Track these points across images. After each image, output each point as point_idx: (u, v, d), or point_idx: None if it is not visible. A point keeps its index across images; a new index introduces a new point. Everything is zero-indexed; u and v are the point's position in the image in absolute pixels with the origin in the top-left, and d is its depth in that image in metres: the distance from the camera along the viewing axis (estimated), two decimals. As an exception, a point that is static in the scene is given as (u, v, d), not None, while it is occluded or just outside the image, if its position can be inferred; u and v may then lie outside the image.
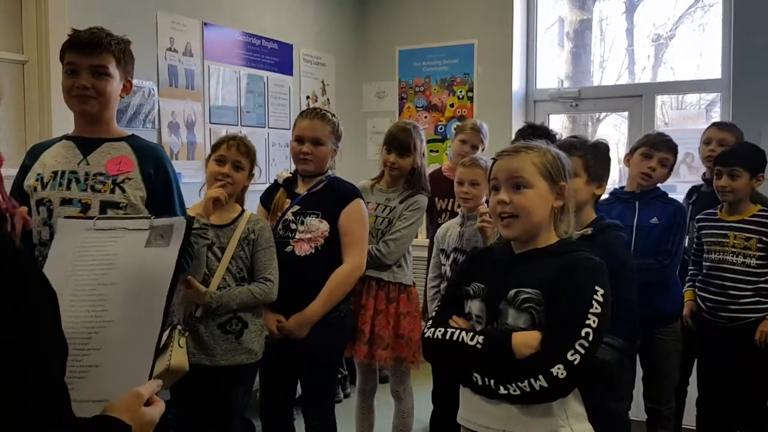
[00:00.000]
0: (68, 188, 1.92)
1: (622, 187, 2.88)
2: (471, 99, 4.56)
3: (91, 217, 1.13)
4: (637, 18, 7.62)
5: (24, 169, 2.00)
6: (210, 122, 3.74)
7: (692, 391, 2.91)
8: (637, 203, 2.73)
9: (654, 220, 2.68)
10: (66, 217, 1.23)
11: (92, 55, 1.91)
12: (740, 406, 2.78)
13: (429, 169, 3.46)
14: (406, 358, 2.80)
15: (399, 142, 2.84)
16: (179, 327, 2.27)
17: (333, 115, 2.66)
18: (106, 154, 1.97)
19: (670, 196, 2.82)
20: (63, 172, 1.94)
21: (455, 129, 3.55)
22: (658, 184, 2.77)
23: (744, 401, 2.76)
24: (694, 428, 2.93)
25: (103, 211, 1.92)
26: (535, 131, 2.74)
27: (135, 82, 3.24)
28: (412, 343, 2.79)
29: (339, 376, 4.01)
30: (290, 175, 2.67)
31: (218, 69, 3.81)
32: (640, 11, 7.53)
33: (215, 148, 2.42)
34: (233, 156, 2.36)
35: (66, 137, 2.03)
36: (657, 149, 2.73)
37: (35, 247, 1.92)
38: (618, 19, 7.64)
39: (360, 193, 2.65)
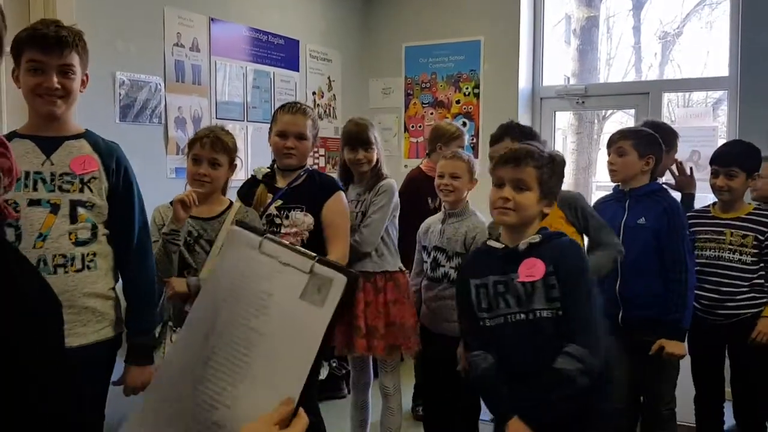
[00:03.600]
0: (35, 189, 1.88)
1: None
2: (477, 96, 4.56)
3: (262, 232, 1.02)
4: (644, 15, 7.61)
5: None
6: (216, 117, 3.74)
7: (688, 388, 2.87)
8: (627, 202, 2.70)
9: (642, 220, 2.63)
10: (238, 223, 1.09)
11: (60, 54, 1.85)
12: (740, 402, 2.79)
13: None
14: (401, 345, 2.80)
15: (361, 138, 2.87)
16: (170, 323, 2.28)
17: (312, 109, 2.71)
18: (69, 154, 1.94)
19: (666, 192, 2.74)
20: (27, 173, 1.88)
21: (432, 138, 3.60)
22: (660, 180, 2.74)
23: (742, 397, 2.77)
24: (693, 425, 2.92)
25: (74, 210, 1.91)
26: (523, 131, 2.74)
27: (142, 77, 3.32)
28: (405, 330, 2.79)
29: (343, 372, 4.02)
30: (269, 170, 2.68)
31: (225, 64, 3.81)
32: (647, 8, 7.51)
33: (190, 146, 2.40)
34: (208, 154, 2.34)
35: (17, 135, 1.95)
36: (612, 141, 2.74)
37: None
38: (625, 16, 7.62)
39: (341, 186, 2.71)
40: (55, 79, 1.86)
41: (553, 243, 1.91)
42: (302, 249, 0.99)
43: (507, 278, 1.90)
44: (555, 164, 1.96)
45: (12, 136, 1.95)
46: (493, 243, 1.99)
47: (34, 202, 1.88)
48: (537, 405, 1.82)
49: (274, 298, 0.95)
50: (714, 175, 2.78)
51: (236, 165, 2.45)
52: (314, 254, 0.96)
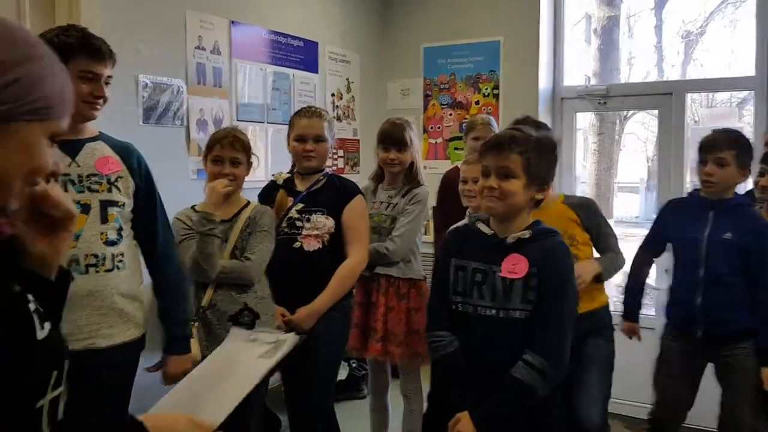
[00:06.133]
0: (65, 191, 1.93)
1: (698, 190, 2.68)
2: (497, 96, 4.54)
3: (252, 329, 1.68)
4: (666, 14, 7.54)
5: None
6: (237, 119, 3.76)
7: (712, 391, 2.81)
8: (711, 213, 2.54)
9: (728, 235, 2.48)
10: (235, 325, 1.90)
11: (110, 65, 2.00)
12: None
13: (448, 166, 3.45)
14: (420, 353, 2.80)
15: (395, 137, 2.87)
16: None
17: (327, 112, 2.75)
18: (92, 155, 2.01)
19: (753, 209, 2.58)
20: None
21: (466, 127, 3.53)
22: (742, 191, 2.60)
23: None
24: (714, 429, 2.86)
25: (104, 210, 1.97)
26: (537, 125, 2.67)
27: (164, 79, 3.34)
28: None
29: (362, 372, 4.03)
30: (289, 175, 2.71)
31: (245, 66, 3.83)
32: (669, 7, 7.44)
33: (210, 147, 2.45)
34: (229, 153, 2.39)
35: None
36: (712, 147, 2.52)
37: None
38: (646, 15, 7.56)
39: (360, 190, 2.73)
40: (103, 88, 1.98)
41: (541, 242, 1.85)
42: (276, 331, 1.59)
43: (488, 268, 1.85)
44: (543, 147, 1.87)
45: None
46: (482, 227, 1.92)
47: None
48: (489, 408, 1.80)
49: (239, 363, 1.40)
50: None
51: (252, 163, 2.49)
52: (280, 332, 1.52)
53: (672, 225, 2.72)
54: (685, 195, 2.80)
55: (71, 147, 1.98)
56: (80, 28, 2.02)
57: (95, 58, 1.95)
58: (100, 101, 1.99)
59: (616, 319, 2.78)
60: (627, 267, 2.74)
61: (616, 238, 2.54)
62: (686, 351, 2.65)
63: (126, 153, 2.08)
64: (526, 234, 1.84)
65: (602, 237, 2.50)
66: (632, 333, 2.88)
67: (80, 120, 2.00)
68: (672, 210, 2.77)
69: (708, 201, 2.58)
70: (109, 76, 2.01)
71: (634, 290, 2.88)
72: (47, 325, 0.87)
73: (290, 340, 1.38)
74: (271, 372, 1.30)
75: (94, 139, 2.05)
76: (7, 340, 0.79)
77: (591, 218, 2.48)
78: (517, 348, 1.79)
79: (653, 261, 2.92)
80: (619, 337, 2.69)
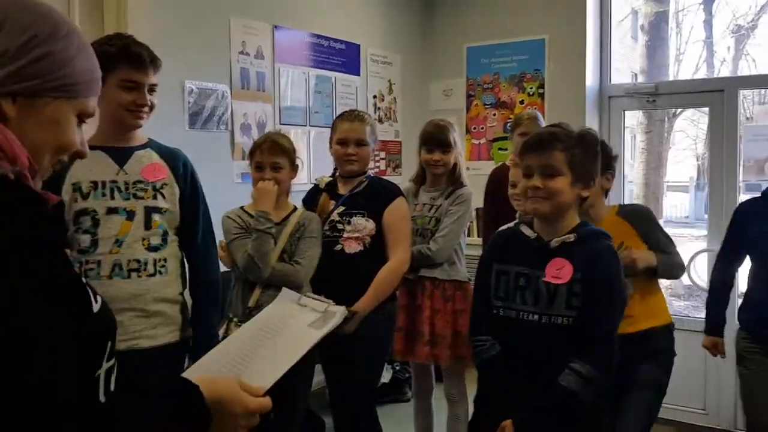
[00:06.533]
0: (112, 197, 1.97)
1: None
2: (542, 96, 4.47)
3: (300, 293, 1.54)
4: (716, 8, 7.33)
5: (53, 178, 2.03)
6: (280, 123, 3.79)
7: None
8: None
9: None
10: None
11: (153, 74, 2.00)
12: None
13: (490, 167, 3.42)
14: (465, 356, 2.77)
15: (439, 139, 2.86)
16: (235, 319, 2.34)
17: (369, 115, 2.75)
18: (139, 163, 2.03)
19: None
20: (104, 182, 1.97)
21: (511, 125, 3.47)
22: None
23: None
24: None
25: (148, 217, 1.99)
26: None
27: (209, 85, 3.39)
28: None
29: (406, 375, 4.01)
30: (331, 178, 2.72)
31: (288, 70, 3.86)
32: (719, 1, 7.22)
33: (252, 154, 2.47)
34: (268, 159, 2.41)
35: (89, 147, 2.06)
36: None
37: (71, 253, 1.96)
38: (695, 10, 7.35)
39: (401, 192, 2.71)
40: (148, 97, 1.99)
41: (587, 246, 1.79)
42: (326, 300, 1.47)
43: (531, 273, 1.81)
44: (586, 143, 1.82)
45: None
46: (525, 230, 1.88)
47: (111, 210, 1.96)
48: (533, 416, 1.75)
49: (288, 328, 1.35)
50: None
51: (297, 166, 2.50)
52: (330, 301, 1.43)
53: (750, 227, 2.59)
54: (758, 195, 2.67)
55: (120, 155, 2.01)
56: (124, 36, 2.04)
57: (136, 67, 1.95)
58: (145, 109, 2.00)
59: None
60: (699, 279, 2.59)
61: (674, 244, 2.42)
62: (765, 354, 2.53)
63: (172, 158, 2.10)
64: (571, 238, 1.79)
65: (656, 242, 2.38)
66: (715, 349, 2.73)
67: (126, 129, 2.02)
68: (747, 212, 2.66)
69: None
70: (154, 84, 2.01)
71: (717, 302, 2.73)
72: (99, 298, 0.90)
73: (339, 312, 1.37)
74: (318, 345, 1.28)
75: (143, 146, 2.07)
76: (73, 315, 0.83)
77: (645, 226, 2.38)
78: (560, 354, 1.75)
79: (736, 269, 2.76)
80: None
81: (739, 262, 2.71)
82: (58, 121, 0.91)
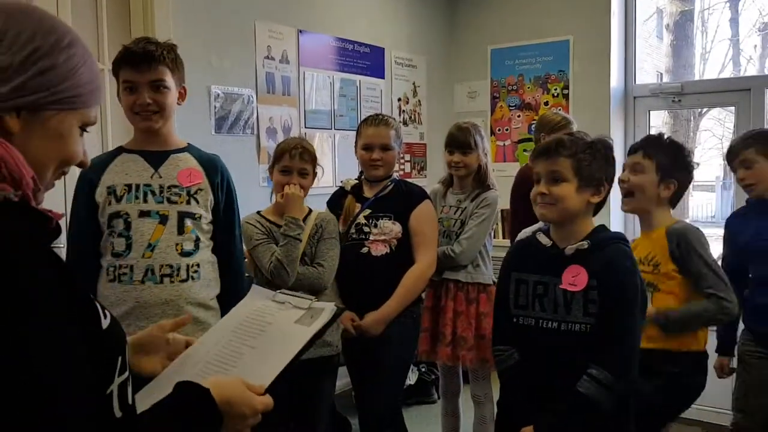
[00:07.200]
0: (145, 201, 1.96)
1: None
2: (566, 96, 4.45)
3: (276, 289, 1.41)
4: (742, 6, 7.22)
5: (88, 183, 1.99)
6: (305, 126, 3.82)
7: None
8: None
9: None
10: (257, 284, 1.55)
11: (149, 70, 1.90)
12: None
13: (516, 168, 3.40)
14: (489, 360, 2.76)
15: (459, 141, 2.86)
16: None
17: (394, 119, 2.75)
18: (175, 167, 2.01)
19: None
20: (137, 186, 1.96)
21: (536, 127, 3.42)
22: None
23: None
24: None
25: (181, 222, 1.98)
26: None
27: (235, 89, 3.43)
28: None
29: (432, 377, 4.01)
30: (356, 181, 2.73)
31: (313, 74, 3.89)
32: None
33: (278, 157, 2.44)
34: (298, 165, 2.40)
35: (124, 150, 2.04)
36: (740, 149, 2.50)
37: (103, 257, 1.97)
38: (721, 8, 7.26)
39: (428, 195, 2.72)
40: (147, 95, 1.92)
41: (601, 252, 1.79)
42: (306, 295, 1.35)
43: (549, 281, 1.82)
44: (595, 150, 1.82)
45: (119, 151, 2.05)
46: (541, 238, 1.89)
47: (144, 213, 1.96)
48: (554, 424, 1.75)
49: (272, 326, 1.27)
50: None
51: (317, 174, 2.50)
52: (312, 297, 1.32)
53: (740, 236, 2.58)
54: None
55: (156, 158, 2.01)
56: (139, 39, 2.00)
57: (131, 66, 1.90)
58: (150, 109, 1.93)
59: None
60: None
61: (719, 277, 2.16)
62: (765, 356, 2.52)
63: (210, 166, 2.08)
64: (585, 245, 1.80)
65: (695, 273, 2.17)
66: (721, 371, 2.69)
67: (145, 132, 1.99)
68: (733, 222, 2.66)
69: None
70: (159, 80, 1.92)
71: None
72: (108, 314, 0.89)
73: (327, 309, 1.27)
74: (311, 343, 1.20)
75: (180, 150, 2.06)
76: (84, 333, 0.82)
77: (681, 247, 2.17)
78: (578, 361, 1.75)
79: (744, 284, 2.63)
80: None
81: (742, 275, 2.59)
82: (63, 134, 0.90)
